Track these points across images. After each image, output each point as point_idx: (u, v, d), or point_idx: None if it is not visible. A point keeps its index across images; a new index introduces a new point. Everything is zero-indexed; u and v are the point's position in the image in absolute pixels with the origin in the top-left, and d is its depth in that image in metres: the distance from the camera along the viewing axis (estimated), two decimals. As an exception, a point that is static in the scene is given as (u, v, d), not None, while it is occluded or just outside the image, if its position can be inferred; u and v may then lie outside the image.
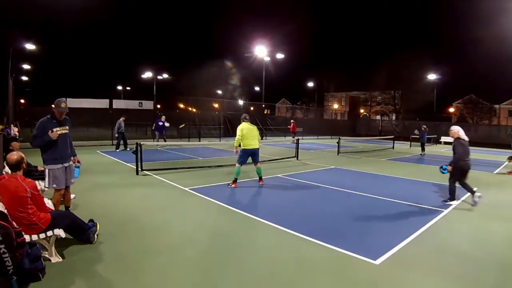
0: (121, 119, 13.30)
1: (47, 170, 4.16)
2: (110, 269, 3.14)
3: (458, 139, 5.88)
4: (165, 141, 14.96)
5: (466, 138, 5.93)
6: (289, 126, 22.47)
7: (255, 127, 7.24)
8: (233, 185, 6.91)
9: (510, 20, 23.64)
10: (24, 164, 3.41)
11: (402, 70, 38.53)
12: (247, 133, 6.97)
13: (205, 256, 3.51)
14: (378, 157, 14.13)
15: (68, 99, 4.40)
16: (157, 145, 13.86)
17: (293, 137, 18.49)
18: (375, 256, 3.53)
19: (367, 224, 4.73)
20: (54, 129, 4.08)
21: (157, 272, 3.11)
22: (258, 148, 7.07)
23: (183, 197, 6.01)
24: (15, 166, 3.33)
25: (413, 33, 57.81)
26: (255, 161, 7.14)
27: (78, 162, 4.60)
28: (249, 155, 7.01)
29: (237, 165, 6.98)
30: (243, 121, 7.18)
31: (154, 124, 15.29)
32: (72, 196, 4.88)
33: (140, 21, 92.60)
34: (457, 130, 5.97)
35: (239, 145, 7.08)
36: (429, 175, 9.41)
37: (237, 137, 7.05)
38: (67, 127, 4.30)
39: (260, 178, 7.27)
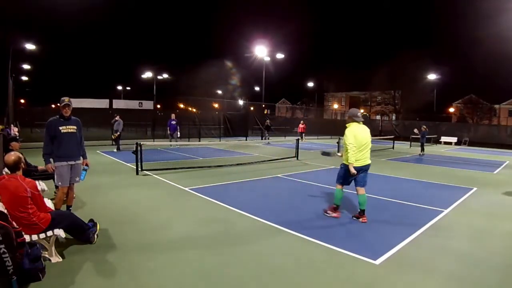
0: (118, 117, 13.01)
1: (54, 168, 4.29)
2: (110, 269, 3.14)
3: None
4: (175, 140, 14.65)
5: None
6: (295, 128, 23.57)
7: (368, 130, 4.89)
8: (334, 214, 4.85)
9: (510, 20, 23.64)
10: (22, 163, 3.40)
11: (402, 70, 38.57)
12: (359, 141, 4.60)
13: (205, 256, 3.51)
14: (378, 157, 14.12)
15: (69, 99, 4.47)
16: (171, 145, 14.10)
17: (302, 137, 19.90)
18: (375, 256, 3.53)
19: (367, 224, 4.73)
20: (60, 127, 4.24)
21: (157, 272, 3.10)
22: (369, 165, 4.79)
23: (183, 197, 6.01)
24: (13, 167, 3.32)
25: (413, 33, 57.94)
26: (361, 183, 4.75)
27: (86, 165, 4.63)
28: (356, 173, 4.61)
29: (337, 186, 4.86)
30: (353, 119, 4.73)
31: (168, 127, 14.75)
32: (73, 195, 4.89)
33: (140, 21, 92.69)
34: None
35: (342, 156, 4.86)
36: (429, 175, 9.41)
37: (350, 147, 4.51)
38: (74, 127, 4.38)
39: (363, 212, 4.75)
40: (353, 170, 4.54)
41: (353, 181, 4.81)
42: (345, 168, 4.71)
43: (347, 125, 4.80)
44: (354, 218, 4.87)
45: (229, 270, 3.21)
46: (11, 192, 3.14)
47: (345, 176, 4.75)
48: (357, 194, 4.83)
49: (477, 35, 44.84)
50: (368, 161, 4.77)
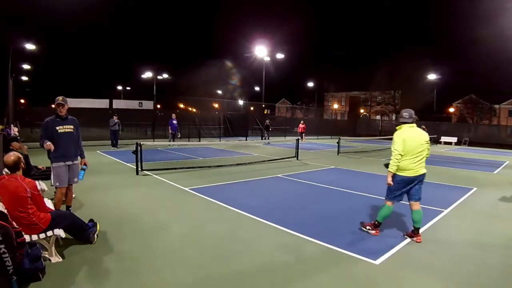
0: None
1: (51, 168, 4.25)
2: (110, 269, 3.14)
3: None
4: (173, 140, 15.23)
5: None
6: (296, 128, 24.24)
7: (425, 134, 4.06)
8: (373, 232, 4.23)
9: (510, 20, 23.63)
10: (22, 163, 3.40)
11: (402, 70, 38.54)
12: (410, 146, 3.89)
13: (205, 256, 3.51)
14: (378, 157, 14.12)
15: (68, 99, 4.42)
16: (170, 145, 14.40)
17: (302, 137, 20.74)
18: (375, 256, 3.53)
19: (367, 224, 4.72)
20: (57, 127, 4.18)
21: (156, 272, 3.10)
22: (423, 175, 4.07)
23: (183, 197, 6.01)
24: (13, 167, 3.32)
25: (413, 33, 57.90)
26: (415, 196, 4.11)
27: (85, 164, 4.58)
28: (407, 185, 4.04)
29: (386, 202, 4.16)
30: (404, 121, 4.04)
31: (169, 126, 15.24)
32: (73, 196, 4.89)
33: (140, 21, 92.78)
34: None
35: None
36: (429, 175, 9.36)
37: (394, 154, 3.91)
38: (71, 126, 4.33)
39: (417, 230, 4.10)
40: (389, 180, 4.00)
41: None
42: (396, 179, 4.01)
43: (397, 128, 4.12)
44: (405, 236, 4.19)
45: (229, 270, 3.21)
46: (11, 192, 3.14)
47: (397, 189, 4.02)
48: (411, 210, 4.15)
49: (477, 35, 44.79)
50: (423, 170, 4.04)
